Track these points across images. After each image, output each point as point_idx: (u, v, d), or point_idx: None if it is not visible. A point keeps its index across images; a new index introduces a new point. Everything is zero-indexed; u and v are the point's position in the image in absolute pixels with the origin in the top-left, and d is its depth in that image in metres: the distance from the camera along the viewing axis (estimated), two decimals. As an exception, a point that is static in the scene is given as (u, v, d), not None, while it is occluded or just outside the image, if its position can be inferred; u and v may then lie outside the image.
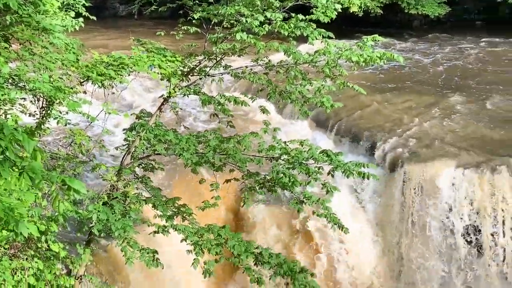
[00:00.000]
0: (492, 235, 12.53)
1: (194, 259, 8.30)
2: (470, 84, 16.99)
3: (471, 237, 12.67)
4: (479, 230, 12.57)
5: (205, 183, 9.58)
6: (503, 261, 12.65)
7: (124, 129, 9.21)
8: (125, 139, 9.54)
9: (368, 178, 8.72)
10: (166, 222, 8.73)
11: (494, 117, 14.90)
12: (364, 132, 14.44)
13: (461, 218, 12.62)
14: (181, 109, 9.98)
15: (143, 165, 9.72)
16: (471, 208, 12.56)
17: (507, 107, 15.44)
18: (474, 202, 12.54)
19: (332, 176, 8.91)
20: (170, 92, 8.73)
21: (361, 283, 12.94)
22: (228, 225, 8.93)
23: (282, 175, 8.91)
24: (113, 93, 9.01)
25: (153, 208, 8.94)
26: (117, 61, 8.48)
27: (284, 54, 8.70)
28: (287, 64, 9.15)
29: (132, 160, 9.31)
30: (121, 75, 8.38)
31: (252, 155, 9.32)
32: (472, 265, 12.78)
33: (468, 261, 12.68)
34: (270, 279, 8.39)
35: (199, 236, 8.56)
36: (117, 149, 9.72)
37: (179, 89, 8.90)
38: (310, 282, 8.20)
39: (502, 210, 12.45)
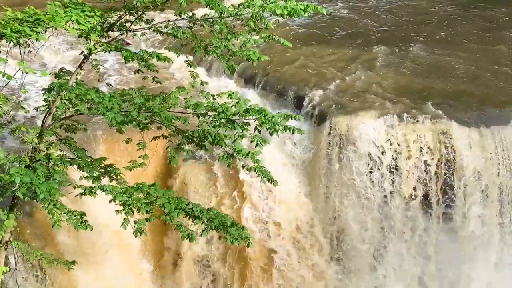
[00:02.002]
0: (414, 181, 13.02)
1: (124, 219, 8.20)
2: (392, 35, 17.28)
3: (394, 185, 13.10)
4: (401, 176, 13.01)
5: (132, 142, 9.40)
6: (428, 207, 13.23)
7: (43, 89, 8.86)
8: (45, 100, 9.19)
9: (293, 133, 8.80)
10: (93, 183, 8.54)
11: (415, 68, 15.29)
12: (291, 87, 14.51)
13: (386, 166, 13.02)
14: (102, 66, 9.67)
15: (65, 126, 9.41)
16: (394, 156, 12.97)
17: (427, 58, 15.84)
18: (397, 150, 12.95)
19: (259, 131, 8.91)
20: (90, 49, 8.41)
21: (293, 232, 13.19)
22: (157, 183, 8.83)
23: (208, 133, 8.86)
24: (30, 51, 8.61)
25: (78, 170, 8.71)
26: (32, 17, 8.07)
27: (207, 7, 8.53)
28: (211, 18, 8.98)
29: (54, 121, 8.99)
30: (37, 32, 7.98)
31: (179, 112, 9.19)
32: (395, 211, 13.28)
33: (392, 207, 13.14)
34: (201, 234, 8.41)
35: (128, 195, 8.42)
36: (37, 110, 9.36)
37: (99, 46, 8.58)
38: (242, 233, 8.29)
39: (424, 156, 12.92)
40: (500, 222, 13.74)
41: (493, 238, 13.71)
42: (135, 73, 9.38)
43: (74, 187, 8.64)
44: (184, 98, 9.15)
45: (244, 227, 8.51)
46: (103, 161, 9.00)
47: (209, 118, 8.94)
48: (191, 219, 8.55)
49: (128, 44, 13.54)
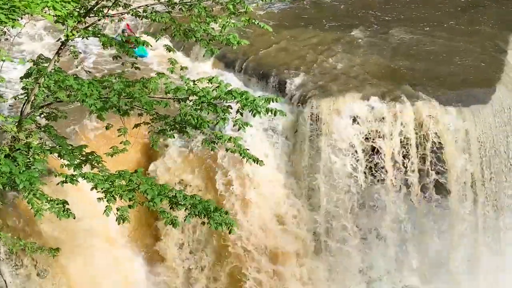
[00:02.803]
0: (395, 162, 13.09)
1: (106, 206, 8.15)
2: (372, 18, 17.24)
3: (377, 166, 13.18)
4: (383, 158, 13.07)
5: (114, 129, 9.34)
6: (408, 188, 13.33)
7: (21, 77, 8.73)
8: (23, 88, 9.08)
9: (275, 114, 8.81)
10: (74, 171, 8.47)
11: (396, 49, 15.27)
12: (272, 70, 14.45)
13: (367, 148, 13.07)
14: (80, 52, 9.56)
15: (45, 114, 9.31)
16: (377, 137, 13.02)
17: (408, 39, 15.84)
18: (379, 131, 13.00)
19: (241, 114, 8.91)
20: (67, 35, 8.30)
21: (274, 214, 13.23)
22: (141, 169, 8.77)
23: (190, 117, 8.83)
24: (7, 39, 8.49)
25: (59, 158, 8.63)
26: (7, 4, 7.92)
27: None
28: (190, 1, 8.91)
29: (33, 110, 8.89)
30: (13, 19, 7.85)
31: (159, 97, 9.15)
32: (377, 192, 13.38)
33: (374, 190, 13.25)
34: (185, 220, 8.39)
35: (110, 183, 8.37)
36: (15, 99, 9.24)
37: (77, 32, 8.47)
38: (226, 219, 8.28)
39: (405, 137, 12.98)
40: (482, 201, 13.92)
41: (477, 218, 13.86)
42: (113, 59, 9.29)
43: (55, 175, 8.56)
44: (164, 84, 9.12)
45: (227, 212, 8.49)
46: (83, 149, 8.93)
47: (190, 102, 8.91)
48: (174, 205, 8.52)
49: (132, 33, 13.47)
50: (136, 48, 12.54)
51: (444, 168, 13.38)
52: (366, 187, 13.33)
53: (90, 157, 8.88)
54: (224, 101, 8.79)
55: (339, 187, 13.26)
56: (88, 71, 10.39)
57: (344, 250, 13.70)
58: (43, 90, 8.51)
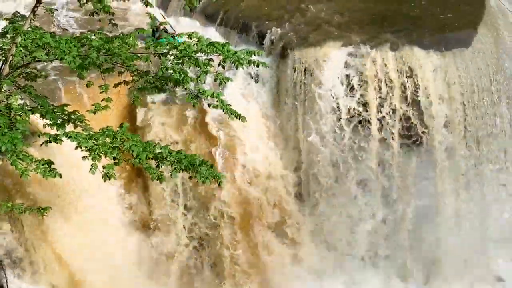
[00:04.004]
0: (379, 108, 13.12)
1: (92, 164, 8.12)
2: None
3: (361, 113, 13.21)
4: (367, 106, 13.11)
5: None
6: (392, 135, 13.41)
7: (-4, 36, 8.55)
8: (0, 48, 8.89)
9: (258, 66, 8.76)
10: (57, 130, 8.39)
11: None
12: (252, 22, 14.28)
13: (352, 96, 13.07)
14: (56, 10, 9.35)
15: (24, 74, 9.16)
16: (360, 85, 13.01)
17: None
18: (361, 79, 12.98)
19: (223, 67, 8.85)
20: (42, -8, 8.10)
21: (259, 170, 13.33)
22: (126, 125, 8.70)
23: (172, 71, 8.76)
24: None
25: (41, 118, 8.55)
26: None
27: None
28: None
29: (12, 70, 8.75)
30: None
31: (140, 53, 9.04)
32: (360, 142, 13.45)
33: (358, 138, 13.31)
34: (171, 175, 8.40)
35: (94, 141, 8.32)
36: (-8, 60, 9.04)
37: (51, -12, 8.27)
38: (212, 172, 8.31)
39: (388, 84, 12.99)
40: (463, 150, 14.05)
41: (459, 167, 14.02)
42: (90, 16, 9.10)
43: (39, 135, 8.49)
44: (144, 39, 9.00)
45: (213, 165, 8.51)
46: (65, 108, 8.83)
47: (171, 56, 8.81)
48: (159, 161, 8.50)
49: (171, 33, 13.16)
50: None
51: (427, 113, 13.42)
52: (352, 134, 13.36)
53: (72, 116, 8.79)
54: (205, 55, 8.71)
55: (325, 138, 13.32)
56: (65, 29, 10.18)
57: (332, 201, 13.88)
58: (20, 50, 8.34)
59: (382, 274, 14.54)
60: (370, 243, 14.30)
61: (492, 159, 14.55)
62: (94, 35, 8.88)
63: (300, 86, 13.21)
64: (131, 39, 8.84)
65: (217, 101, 8.98)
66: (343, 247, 14.26)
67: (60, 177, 8.41)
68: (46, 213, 9.50)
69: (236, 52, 8.50)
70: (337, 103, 13.08)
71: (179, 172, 8.43)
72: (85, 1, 8.71)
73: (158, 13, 13.92)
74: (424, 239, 14.23)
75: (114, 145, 8.38)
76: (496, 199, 14.85)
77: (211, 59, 8.72)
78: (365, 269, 14.52)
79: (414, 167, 13.65)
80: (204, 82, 9.58)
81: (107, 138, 8.45)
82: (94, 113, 8.91)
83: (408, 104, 13.24)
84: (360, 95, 13.06)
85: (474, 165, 14.16)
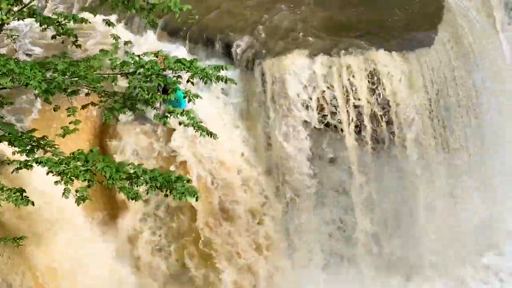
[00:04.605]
0: (349, 112, 13.24)
1: (64, 188, 8.01)
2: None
3: (332, 118, 13.30)
4: (337, 111, 13.23)
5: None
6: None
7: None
8: (-37, 78, 8.71)
9: (226, 82, 8.77)
10: (27, 156, 8.27)
11: (338, 2, 15.28)
12: (217, 35, 14.28)
13: (320, 101, 13.16)
14: (17, 36, 9.24)
15: (-11, 103, 9.01)
16: (327, 91, 13.12)
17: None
18: (329, 83, 13.09)
19: (192, 84, 8.83)
20: (2, 18, 7.99)
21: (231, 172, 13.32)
22: (96, 149, 8.62)
23: (139, 89, 8.71)
24: None
25: (9, 145, 8.41)
26: None
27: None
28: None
29: (-24, 99, 8.60)
30: None
31: (106, 73, 8.97)
32: (334, 144, 13.56)
33: (331, 141, 13.43)
34: (147, 193, 8.33)
35: (65, 165, 8.21)
36: (-45, 90, 8.87)
37: (11, 15, 8.16)
38: (189, 188, 8.26)
39: (355, 88, 13.12)
40: (434, 144, 14.24)
41: (429, 161, 14.21)
42: (52, 38, 9.01)
43: (8, 163, 8.35)
44: (109, 59, 8.93)
45: (190, 179, 8.47)
46: (33, 134, 8.71)
47: (138, 75, 8.77)
48: (133, 181, 8.42)
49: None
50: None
51: (393, 115, 13.58)
52: (322, 138, 13.45)
53: (41, 141, 8.67)
54: (173, 72, 8.69)
55: (295, 145, 13.38)
56: (29, 53, 10.05)
57: (305, 204, 13.93)
58: (-16, 78, 8.20)
59: (363, 274, 14.65)
60: (346, 244, 14.40)
61: (461, 153, 14.82)
62: (60, 59, 8.80)
63: (270, 95, 13.27)
64: (95, 61, 8.77)
65: (187, 118, 8.95)
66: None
67: (33, 204, 8.31)
68: (22, 242, 9.34)
69: (204, 68, 8.49)
70: (307, 110, 13.15)
71: (154, 190, 8.36)
72: (46, 25, 8.61)
73: (122, 32, 13.83)
74: (402, 237, 14.38)
75: (86, 167, 8.28)
76: (466, 193, 15.12)
77: (179, 76, 8.70)
78: (347, 269, 14.63)
79: (386, 168, 13.80)
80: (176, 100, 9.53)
81: (78, 162, 8.35)
82: (63, 136, 8.80)
83: (376, 105, 13.40)
84: (329, 100, 13.17)
85: (444, 159, 14.41)
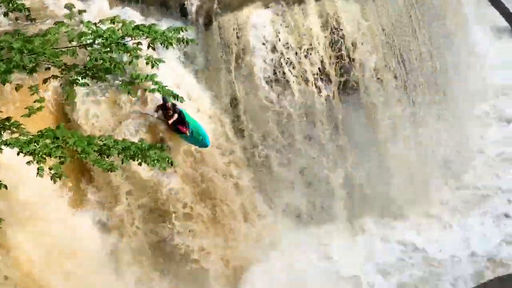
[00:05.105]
0: (308, 60, 13.28)
1: (38, 167, 7.94)
2: None
3: (293, 68, 13.31)
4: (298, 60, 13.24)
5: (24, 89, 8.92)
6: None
7: None
8: None
9: (187, 43, 8.68)
10: (-5, 140, 8.13)
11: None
12: (170, -5, 14.01)
13: (283, 52, 13.16)
14: (-32, 16, 8.92)
15: None
16: (288, 41, 13.11)
17: None
18: (289, 34, 13.07)
19: (153, 49, 8.71)
20: None
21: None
22: (62, 124, 8.51)
23: (101, 61, 8.56)
24: None
25: (-27, 131, 8.24)
26: None
27: None
28: None
29: None
30: None
31: (64, 47, 8.77)
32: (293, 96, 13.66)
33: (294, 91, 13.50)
34: (122, 162, 8.32)
35: (35, 144, 8.11)
36: None
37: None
38: (162, 155, 8.26)
39: (312, 35, 13.14)
40: (396, 84, 14.47)
41: (390, 98, 14.45)
42: (4, 16, 8.73)
43: (-23, 149, 8.20)
44: (65, 32, 8.72)
45: (163, 146, 8.47)
46: (-2, 116, 8.54)
47: (97, 46, 8.60)
48: (105, 153, 8.37)
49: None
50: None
51: (353, 62, 13.70)
52: (285, 90, 13.50)
53: (7, 123, 8.52)
54: (133, 39, 8.54)
55: (259, 98, 13.41)
56: (-19, 34, 9.71)
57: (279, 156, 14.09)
58: None
59: (337, 218, 15.02)
60: (318, 190, 14.71)
61: (423, 98, 15.14)
62: (13, 37, 8.54)
63: (229, 50, 13.19)
64: (51, 35, 8.55)
65: (152, 83, 8.87)
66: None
67: (6, 188, 8.24)
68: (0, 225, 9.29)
69: (163, 32, 8.37)
70: (266, 61, 13.14)
71: (128, 159, 8.35)
72: (-4, 4, 8.32)
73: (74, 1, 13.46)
74: (372, 181, 14.75)
75: (56, 144, 8.19)
76: (431, 138, 15.52)
77: (139, 43, 8.57)
78: (320, 215, 14.96)
79: (352, 115, 14.00)
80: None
81: (47, 140, 8.25)
82: (29, 116, 8.65)
83: (335, 52, 13.48)
84: (290, 50, 13.16)
85: (409, 103, 14.71)
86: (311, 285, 13.98)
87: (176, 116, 12.39)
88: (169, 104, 12.34)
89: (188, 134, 12.55)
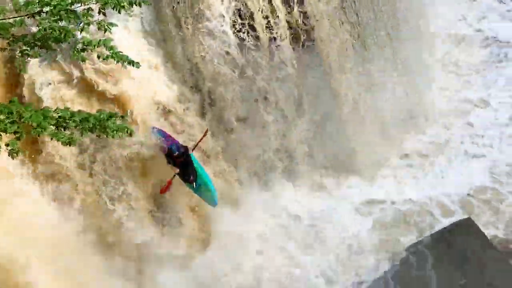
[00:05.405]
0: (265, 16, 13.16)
1: (-6, 145, 7.71)
2: None
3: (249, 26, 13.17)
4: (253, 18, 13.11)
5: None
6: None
7: None
8: None
9: (140, 5, 8.47)
10: None
11: None
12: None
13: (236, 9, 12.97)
14: None
15: None
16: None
17: None
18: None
19: (104, 14, 8.45)
20: None
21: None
22: (15, 99, 8.24)
23: (50, 30, 8.28)
24: None
25: None
26: None
27: None
28: None
29: None
30: None
31: (10, 17, 8.45)
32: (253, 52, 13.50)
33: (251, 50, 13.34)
34: (81, 135, 8.13)
35: (-12, 121, 7.84)
36: None
37: None
38: (121, 126, 8.10)
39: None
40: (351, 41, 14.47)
41: (347, 56, 14.49)
42: None
43: None
44: (12, 1, 8.41)
45: (123, 115, 8.30)
46: None
47: (45, 14, 8.30)
48: (62, 126, 8.15)
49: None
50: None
51: (306, 12, 13.58)
52: (242, 48, 13.33)
53: (-45, 101, 8.20)
54: (82, 4, 8.27)
55: (216, 58, 13.23)
56: None
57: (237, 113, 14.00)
58: None
59: (299, 180, 15.19)
60: (279, 155, 14.82)
61: (376, 47, 15.19)
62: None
63: (182, 11, 12.89)
64: (-4, 6, 8.21)
65: (106, 49, 8.63)
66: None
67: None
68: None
69: (115, -6, 8.11)
70: (223, 21, 12.92)
71: (87, 132, 8.16)
72: None
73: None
74: (332, 135, 14.88)
75: (11, 119, 7.94)
76: (385, 85, 15.69)
77: (90, 8, 8.30)
78: (280, 180, 15.10)
79: (309, 68, 13.97)
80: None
81: (1, 115, 7.99)
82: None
83: (291, 7, 13.35)
84: (243, 7, 12.97)
85: (362, 54, 14.75)
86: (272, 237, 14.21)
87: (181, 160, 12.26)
88: (176, 154, 12.20)
89: (194, 186, 12.51)
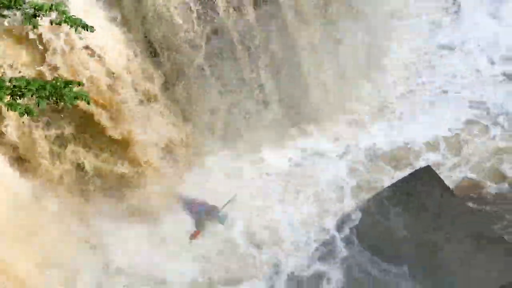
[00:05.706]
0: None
1: (-51, 119, 7.56)
2: None
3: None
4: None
5: None
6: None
7: None
8: None
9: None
10: None
11: None
12: None
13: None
14: None
15: None
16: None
17: None
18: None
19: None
20: None
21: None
22: (-33, 70, 8.06)
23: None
24: None
25: None
26: None
27: None
28: None
29: None
30: None
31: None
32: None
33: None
34: (38, 105, 8.02)
35: None
36: None
37: None
38: (78, 93, 8.01)
39: None
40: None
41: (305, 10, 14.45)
42: None
43: None
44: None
45: (80, 82, 8.18)
46: None
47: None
48: (17, 95, 8.01)
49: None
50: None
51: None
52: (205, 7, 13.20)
53: None
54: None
55: (171, 15, 13.03)
56: None
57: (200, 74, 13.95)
58: None
59: (259, 134, 15.30)
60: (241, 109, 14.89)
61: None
62: None
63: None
64: None
65: (58, 14, 8.44)
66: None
67: None
68: None
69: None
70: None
71: (44, 100, 8.05)
72: None
73: None
74: (293, 91, 14.97)
75: (-36, 91, 7.78)
76: (347, 35, 15.72)
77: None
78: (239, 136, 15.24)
79: (270, 27, 13.92)
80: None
81: (-48, 88, 7.81)
82: None
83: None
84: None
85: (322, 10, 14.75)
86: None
87: None
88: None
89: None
